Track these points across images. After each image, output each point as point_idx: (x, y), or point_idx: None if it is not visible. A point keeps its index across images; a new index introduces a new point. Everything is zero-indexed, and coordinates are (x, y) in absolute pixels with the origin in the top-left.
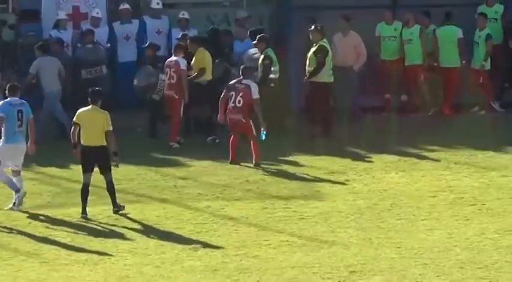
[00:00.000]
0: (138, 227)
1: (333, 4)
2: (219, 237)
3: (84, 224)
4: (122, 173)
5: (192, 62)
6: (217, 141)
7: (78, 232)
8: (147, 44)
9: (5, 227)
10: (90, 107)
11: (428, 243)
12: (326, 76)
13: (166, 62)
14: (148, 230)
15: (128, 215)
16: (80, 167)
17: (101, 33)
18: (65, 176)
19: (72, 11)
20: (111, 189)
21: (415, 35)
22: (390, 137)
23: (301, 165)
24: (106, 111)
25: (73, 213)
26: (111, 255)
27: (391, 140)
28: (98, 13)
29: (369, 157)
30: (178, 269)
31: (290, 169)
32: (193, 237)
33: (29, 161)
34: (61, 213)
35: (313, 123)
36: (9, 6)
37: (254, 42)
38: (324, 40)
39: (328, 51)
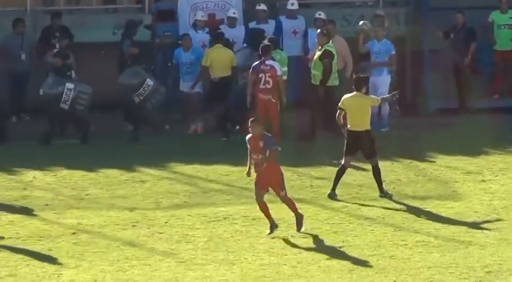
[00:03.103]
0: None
1: (469, 5)
2: (356, 237)
3: (221, 223)
4: None
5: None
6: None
7: (215, 232)
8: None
9: (141, 227)
10: (354, 93)
11: None
12: (332, 80)
13: (258, 66)
14: (284, 230)
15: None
16: (215, 166)
17: (237, 33)
18: (202, 176)
19: (208, 18)
20: (377, 174)
21: None
22: None
23: (438, 166)
24: (371, 97)
25: (209, 213)
26: (247, 255)
27: None
28: (234, 13)
29: (505, 157)
30: (314, 268)
31: (426, 169)
32: (330, 237)
33: (167, 160)
34: (198, 212)
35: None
36: (145, 6)
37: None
38: (330, 44)
39: (334, 55)
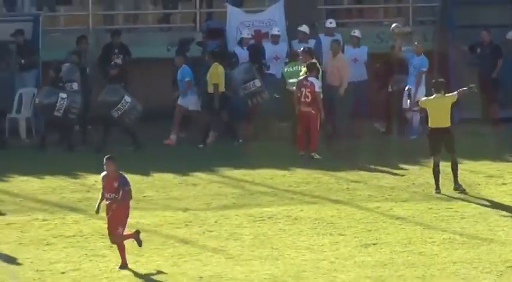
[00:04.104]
0: (315, 225)
1: (490, 23)
2: (388, 235)
3: (266, 223)
4: (299, 176)
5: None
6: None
7: (260, 230)
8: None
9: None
10: (434, 95)
11: None
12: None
13: (301, 81)
14: (323, 229)
15: (305, 215)
16: (259, 171)
17: (281, 50)
18: (248, 179)
19: (255, 33)
20: (454, 168)
21: None
22: None
23: (462, 170)
24: (450, 95)
25: (255, 213)
26: (290, 251)
27: None
28: (278, 31)
29: None
30: (351, 264)
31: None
32: (365, 235)
33: (215, 165)
34: (244, 213)
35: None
36: (197, 25)
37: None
38: (313, 61)
39: (319, 70)
